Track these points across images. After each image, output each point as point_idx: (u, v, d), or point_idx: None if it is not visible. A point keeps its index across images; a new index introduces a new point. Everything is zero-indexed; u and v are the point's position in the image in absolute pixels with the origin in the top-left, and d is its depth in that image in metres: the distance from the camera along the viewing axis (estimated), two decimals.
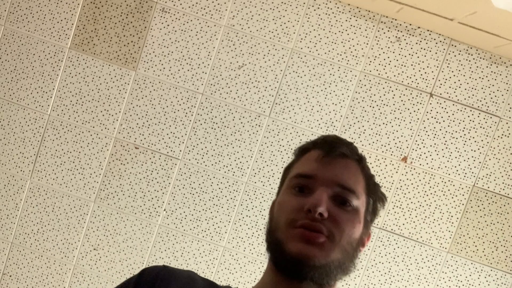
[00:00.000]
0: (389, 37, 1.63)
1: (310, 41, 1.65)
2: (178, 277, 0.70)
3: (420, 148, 1.64)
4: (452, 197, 1.64)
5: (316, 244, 0.63)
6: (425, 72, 1.64)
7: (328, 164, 0.69)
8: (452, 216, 1.65)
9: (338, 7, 1.64)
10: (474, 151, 1.64)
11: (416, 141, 1.65)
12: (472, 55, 1.62)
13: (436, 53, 1.63)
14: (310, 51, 1.65)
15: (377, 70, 1.64)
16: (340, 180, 0.67)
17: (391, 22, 1.63)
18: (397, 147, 1.65)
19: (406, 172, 1.65)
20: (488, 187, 1.64)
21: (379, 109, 1.65)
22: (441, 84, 1.63)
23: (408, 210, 1.65)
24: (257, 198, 1.68)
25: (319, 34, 1.65)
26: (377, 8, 1.59)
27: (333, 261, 0.64)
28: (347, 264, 0.67)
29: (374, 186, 0.74)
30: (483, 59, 1.62)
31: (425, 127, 1.64)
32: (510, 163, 1.63)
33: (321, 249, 0.63)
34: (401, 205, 1.65)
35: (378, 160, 1.65)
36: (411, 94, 1.64)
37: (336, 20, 1.64)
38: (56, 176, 1.73)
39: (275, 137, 1.66)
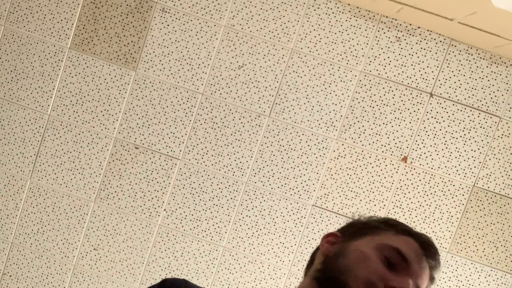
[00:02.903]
0: (389, 37, 1.63)
1: (310, 41, 1.65)
2: None
3: (420, 148, 1.64)
4: (452, 197, 1.64)
5: None
6: (425, 72, 1.64)
7: (421, 264, 0.72)
8: (452, 216, 1.65)
9: (338, 7, 1.64)
10: (474, 151, 1.64)
11: (416, 141, 1.65)
12: (472, 55, 1.62)
13: (436, 53, 1.63)
14: (310, 51, 1.65)
15: (377, 70, 1.64)
16: (421, 285, 0.71)
17: (391, 22, 1.63)
18: (397, 147, 1.65)
19: (406, 172, 1.65)
20: (488, 187, 1.64)
21: (379, 109, 1.65)
22: (441, 84, 1.63)
23: (408, 210, 1.65)
24: (257, 198, 1.68)
25: (319, 34, 1.65)
26: (377, 8, 1.59)
27: None
28: None
29: None
30: (483, 59, 1.62)
31: (425, 127, 1.64)
32: (510, 163, 1.63)
33: None
34: (401, 205, 1.65)
35: (378, 160, 1.65)
36: (411, 94, 1.64)
37: (336, 20, 1.64)
38: (56, 176, 1.73)
39: (275, 137, 1.66)
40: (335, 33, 1.64)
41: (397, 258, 0.71)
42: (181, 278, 0.76)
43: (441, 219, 1.65)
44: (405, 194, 1.65)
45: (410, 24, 1.63)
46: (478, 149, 1.63)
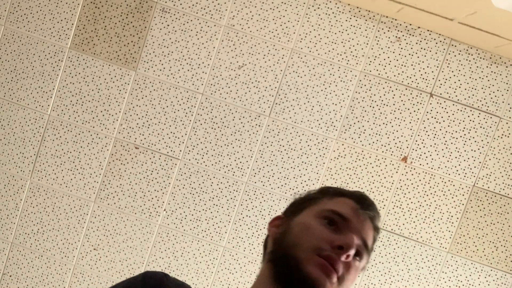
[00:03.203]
0: (389, 37, 1.63)
1: (310, 41, 1.65)
2: None
3: (420, 148, 1.64)
4: (452, 197, 1.64)
5: (330, 280, 0.68)
6: (425, 72, 1.64)
7: (361, 218, 0.76)
8: (452, 216, 1.65)
9: (338, 7, 1.64)
10: (474, 151, 1.64)
11: (416, 141, 1.65)
12: (472, 55, 1.62)
13: (436, 53, 1.63)
14: (310, 51, 1.65)
15: (377, 70, 1.64)
16: (365, 236, 0.75)
17: (391, 22, 1.63)
18: (397, 147, 1.65)
19: (406, 172, 1.65)
20: (488, 187, 1.64)
21: (379, 109, 1.65)
22: (441, 84, 1.63)
23: (408, 210, 1.65)
24: (257, 198, 1.68)
25: (319, 34, 1.65)
26: (377, 8, 1.59)
27: None
28: None
29: (372, 251, 0.83)
30: (483, 59, 1.62)
31: (425, 127, 1.64)
32: (510, 163, 1.63)
33: (331, 286, 0.68)
34: (401, 205, 1.65)
35: (378, 160, 1.65)
36: (411, 94, 1.64)
37: (336, 20, 1.64)
38: (56, 176, 1.73)
39: (275, 137, 1.66)
40: (335, 33, 1.64)
41: (337, 218, 0.74)
42: (161, 271, 0.77)
43: (441, 219, 1.65)
44: (405, 194, 1.65)
45: (410, 24, 1.63)
46: (478, 149, 1.63)
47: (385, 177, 1.65)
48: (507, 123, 1.63)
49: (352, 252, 0.69)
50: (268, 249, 0.78)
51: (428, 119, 1.64)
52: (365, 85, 1.64)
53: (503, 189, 1.63)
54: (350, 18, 1.64)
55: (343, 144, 1.66)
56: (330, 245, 0.70)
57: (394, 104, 1.64)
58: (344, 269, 0.69)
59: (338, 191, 0.82)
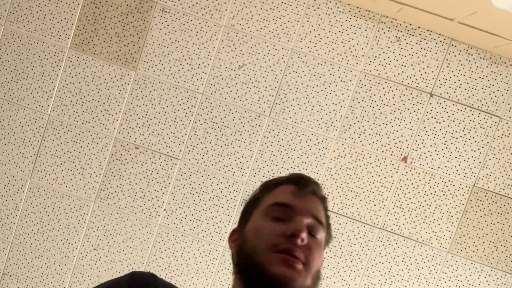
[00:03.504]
0: (389, 37, 1.63)
1: (310, 41, 1.65)
2: None
3: (420, 148, 1.64)
4: (452, 197, 1.64)
5: (296, 270, 0.69)
6: (425, 72, 1.64)
7: (303, 197, 0.77)
8: (452, 216, 1.65)
9: (338, 7, 1.64)
10: (474, 151, 1.64)
11: (416, 141, 1.65)
12: (472, 55, 1.62)
13: (436, 53, 1.63)
14: (310, 51, 1.65)
15: (377, 70, 1.64)
16: (314, 212, 0.76)
17: (391, 22, 1.63)
18: (397, 147, 1.65)
19: (406, 172, 1.65)
20: (488, 187, 1.64)
21: (379, 109, 1.65)
22: (441, 84, 1.63)
23: (408, 210, 1.65)
24: None
25: (319, 34, 1.65)
26: (377, 8, 1.59)
27: (306, 287, 0.70)
28: None
29: (330, 225, 0.83)
30: (483, 59, 1.62)
31: (425, 127, 1.64)
32: (510, 163, 1.63)
33: (300, 275, 0.69)
34: (401, 205, 1.65)
35: (378, 160, 1.65)
36: (411, 94, 1.64)
37: (336, 20, 1.64)
38: (56, 176, 1.73)
39: (275, 137, 1.66)
40: (335, 33, 1.64)
41: (281, 209, 0.75)
42: (149, 272, 0.78)
43: (441, 219, 1.65)
44: (405, 194, 1.65)
45: (410, 24, 1.63)
46: (478, 149, 1.63)
47: (385, 177, 1.65)
48: (507, 123, 1.63)
49: (304, 235, 0.70)
50: (234, 262, 0.79)
51: (428, 119, 1.64)
52: (365, 85, 1.64)
53: (503, 189, 1.63)
54: (350, 18, 1.64)
55: (343, 144, 1.66)
56: (283, 237, 0.71)
57: (394, 104, 1.64)
58: (306, 252, 0.70)
59: (275, 181, 0.83)
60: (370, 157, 1.65)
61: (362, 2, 1.59)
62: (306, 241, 0.71)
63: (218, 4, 1.66)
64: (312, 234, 0.74)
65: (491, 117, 1.63)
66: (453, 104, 1.64)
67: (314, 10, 1.64)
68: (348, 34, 1.64)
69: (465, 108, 1.63)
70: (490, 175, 1.63)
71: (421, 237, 1.65)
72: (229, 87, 1.67)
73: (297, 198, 0.76)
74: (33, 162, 1.73)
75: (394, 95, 1.64)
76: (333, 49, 1.64)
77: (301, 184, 0.79)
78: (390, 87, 1.64)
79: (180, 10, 1.67)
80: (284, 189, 0.79)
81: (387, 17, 1.63)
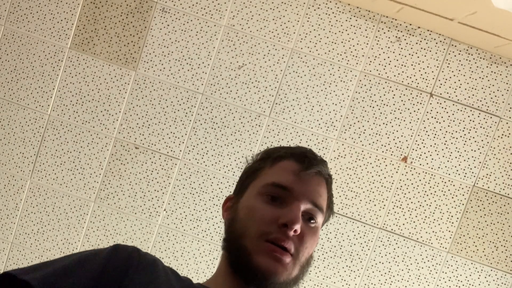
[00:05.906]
0: (389, 37, 1.63)
1: (310, 41, 1.65)
2: (151, 268, 0.68)
3: (420, 148, 1.64)
4: (452, 197, 1.64)
5: (282, 264, 0.66)
6: (425, 72, 1.64)
7: (305, 179, 0.71)
8: (452, 216, 1.65)
9: (338, 7, 1.64)
10: (474, 151, 1.64)
11: (416, 141, 1.65)
12: (472, 55, 1.62)
13: (436, 53, 1.63)
14: (310, 51, 1.65)
15: (377, 70, 1.64)
16: (314, 197, 0.71)
17: (391, 22, 1.63)
18: (397, 147, 1.65)
19: (406, 172, 1.65)
20: (488, 187, 1.64)
21: (379, 109, 1.65)
22: (441, 84, 1.63)
23: (408, 210, 1.65)
24: None
25: (319, 34, 1.65)
26: (377, 8, 1.59)
27: (292, 278, 0.68)
28: (302, 277, 0.71)
29: (332, 204, 0.78)
30: (483, 59, 1.62)
31: (425, 127, 1.64)
32: (510, 163, 1.63)
33: (286, 268, 0.66)
34: (401, 205, 1.65)
35: (378, 160, 1.65)
36: (411, 94, 1.64)
37: (336, 20, 1.64)
38: (56, 176, 1.73)
39: (275, 137, 1.66)
40: (335, 33, 1.64)
41: (279, 190, 0.70)
42: (133, 246, 0.71)
43: (441, 219, 1.65)
44: (405, 194, 1.65)
45: (410, 24, 1.63)
46: (478, 149, 1.63)
47: (385, 177, 1.65)
48: (507, 123, 1.63)
49: (297, 226, 0.66)
50: (223, 235, 0.75)
51: (428, 119, 1.64)
52: (365, 85, 1.64)
53: (503, 189, 1.63)
54: (350, 18, 1.64)
55: (343, 144, 1.66)
56: (275, 225, 0.67)
57: (394, 104, 1.64)
58: (297, 243, 0.68)
59: (277, 154, 0.76)
60: (370, 157, 1.65)
61: (362, 2, 1.59)
62: (299, 231, 0.67)
63: (218, 4, 1.66)
64: (308, 220, 0.70)
65: (491, 117, 1.63)
66: (453, 104, 1.64)
67: (314, 10, 1.64)
68: (348, 34, 1.64)
69: (465, 108, 1.63)
70: (490, 175, 1.63)
71: (421, 237, 1.65)
72: (229, 87, 1.67)
73: (298, 180, 0.71)
74: (33, 162, 1.73)
75: (394, 95, 1.64)
76: (333, 49, 1.64)
77: (306, 164, 0.72)
78: (390, 87, 1.64)
79: (180, 10, 1.67)
80: (286, 166, 0.73)
81: (387, 17, 1.63)
